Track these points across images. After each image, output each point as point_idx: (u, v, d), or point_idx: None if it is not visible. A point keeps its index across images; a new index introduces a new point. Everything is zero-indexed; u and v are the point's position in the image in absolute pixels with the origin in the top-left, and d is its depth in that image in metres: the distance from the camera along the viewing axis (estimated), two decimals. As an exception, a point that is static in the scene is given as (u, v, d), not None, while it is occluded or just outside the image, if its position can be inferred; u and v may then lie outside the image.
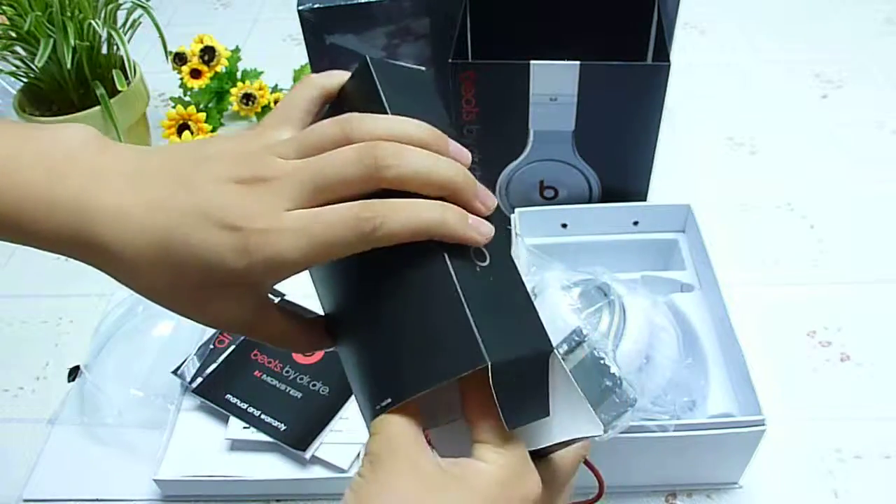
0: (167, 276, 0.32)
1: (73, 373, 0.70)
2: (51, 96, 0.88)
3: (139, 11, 0.89)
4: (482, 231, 0.32)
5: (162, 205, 0.31)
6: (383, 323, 0.33)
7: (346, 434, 0.62)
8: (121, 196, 0.32)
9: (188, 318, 0.34)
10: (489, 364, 0.29)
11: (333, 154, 0.31)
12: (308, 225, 0.31)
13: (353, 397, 0.64)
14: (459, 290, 0.30)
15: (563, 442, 0.34)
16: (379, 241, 0.31)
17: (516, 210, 0.73)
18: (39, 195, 0.31)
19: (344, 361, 0.38)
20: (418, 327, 0.32)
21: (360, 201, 0.31)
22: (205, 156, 0.33)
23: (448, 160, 0.33)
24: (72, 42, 0.80)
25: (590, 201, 0.81)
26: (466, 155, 0.35)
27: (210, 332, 0.71)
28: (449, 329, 0.30)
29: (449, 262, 0.31)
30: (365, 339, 0.35)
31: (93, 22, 0.83)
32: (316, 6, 0.76)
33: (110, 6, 0.86)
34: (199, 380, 0.67)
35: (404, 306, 0.32)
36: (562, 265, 0.63)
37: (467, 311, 0.30)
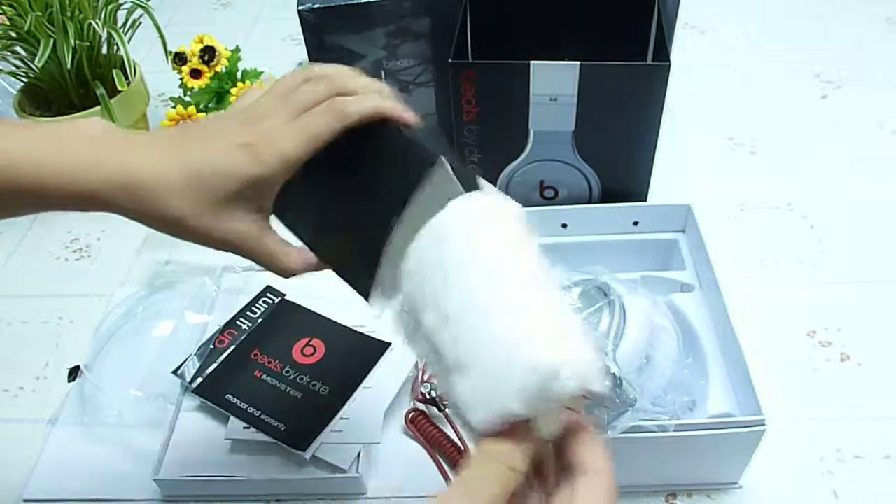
0: (195, 196, 0.41)
1: (73, 373, 0.70)
2: (51, 96, 0.88)
3: (139, 11, 0.89)
4: (410, 114, 0.44)
5: (188, 151, 0.42)
6: (365, 199, 0.43)
7: (346, 434, 0.62)
8: (154, 154, 0.42)
9: (203, 240, 0.43)
10: (443, 159, 0.39)
11: (307, 88, 0.43)
12: (299, 124, 0.42)
13: (353, 397, 0.64)
14: (405, 134, 0.42)
15: None
16: (348, 118, 0.42)
17: (516, 210, 0.73)
18: (89, 163, 0.40)
19: (335, 268, 0.46)
20: (389, 180, 0.42)
21: (329, 99, 0.43)
22: (207, 121, 0.44)
23: (381, 84, 0.45)
24: (72, 42, 0.80)
25: (590, 201, 0.81)
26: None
27: (210, 332, 0.71)
28: (407, 159, 0.41)
29: (392, 126, 0.43)
30: (352, 225, 0.44)
31: (93, 22, 0.83)
32: (316, 6, 0.76)
33: (110, 6, 0.86)
34: (199, 380, 0.66)
35: (376, 178, 0.43)
36: (562, 265, 0.63)
37: (415, 140, 0.42)
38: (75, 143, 0.41)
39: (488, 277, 0.34)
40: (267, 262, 0.45)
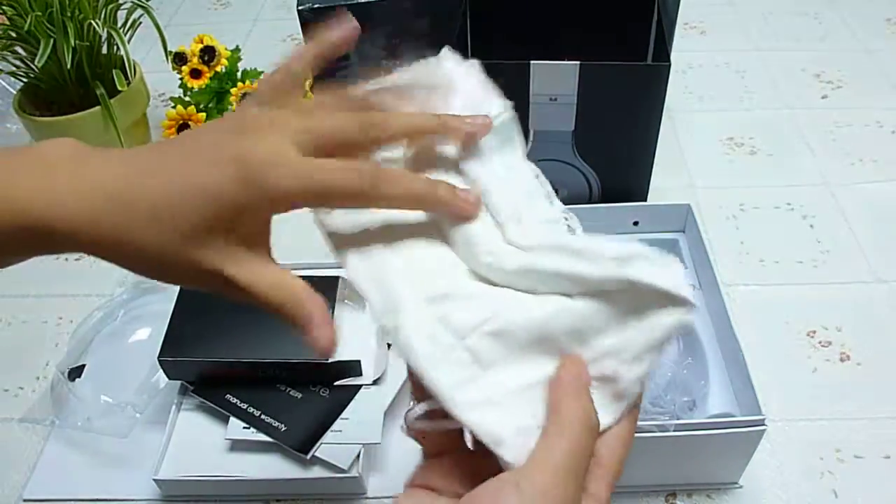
0: (163, 226, 0.32)
1: (75, 373, 0.70)
2: (51, 96, 0.88)
3: (139, 11, 0.89)
4: (470, 201, 0.34)
5: (158, 173, 0.32)
6: None
7: (346, 434, 0.62)
8: (113, 177, 0.33)
9: (183, 280, 0.34)
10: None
11: (332, 113, 0.34)
12: (312, 165, 0.32)
13: (354, 398, 0.64)
14: None
15: None
16: (375, 200, 0.33)
17: (516, 210, 0.73)
18: (38, 190, 0.32)
19: None
20: None
21: (362, 160, 0.34)
22: (198, 130, 0.35)
23: (421, 113, 0.36)
24: (72, 42, 0.80)
25: (590, 201, 0.81)
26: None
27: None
28: None
29: None
30: None
31: (93, 22, 0.83)
32: (316, 6, 0.76)
33: (110, 6, 0.86)
34: (199, 380, 0.66)
35: None
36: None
37: None
38: (29, 168, 0.33)
39: None
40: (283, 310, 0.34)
